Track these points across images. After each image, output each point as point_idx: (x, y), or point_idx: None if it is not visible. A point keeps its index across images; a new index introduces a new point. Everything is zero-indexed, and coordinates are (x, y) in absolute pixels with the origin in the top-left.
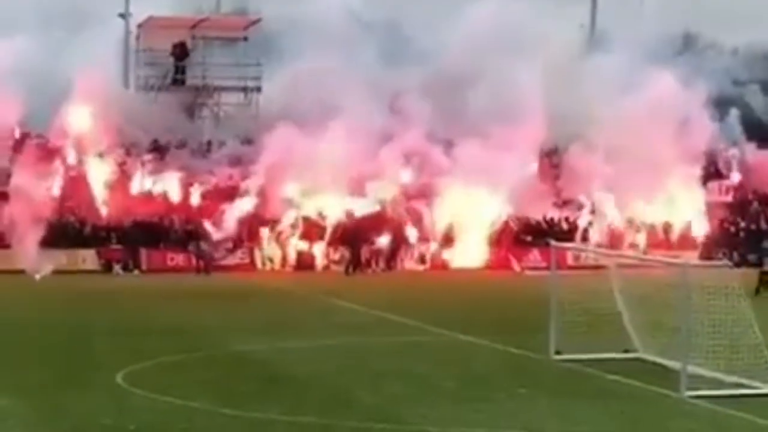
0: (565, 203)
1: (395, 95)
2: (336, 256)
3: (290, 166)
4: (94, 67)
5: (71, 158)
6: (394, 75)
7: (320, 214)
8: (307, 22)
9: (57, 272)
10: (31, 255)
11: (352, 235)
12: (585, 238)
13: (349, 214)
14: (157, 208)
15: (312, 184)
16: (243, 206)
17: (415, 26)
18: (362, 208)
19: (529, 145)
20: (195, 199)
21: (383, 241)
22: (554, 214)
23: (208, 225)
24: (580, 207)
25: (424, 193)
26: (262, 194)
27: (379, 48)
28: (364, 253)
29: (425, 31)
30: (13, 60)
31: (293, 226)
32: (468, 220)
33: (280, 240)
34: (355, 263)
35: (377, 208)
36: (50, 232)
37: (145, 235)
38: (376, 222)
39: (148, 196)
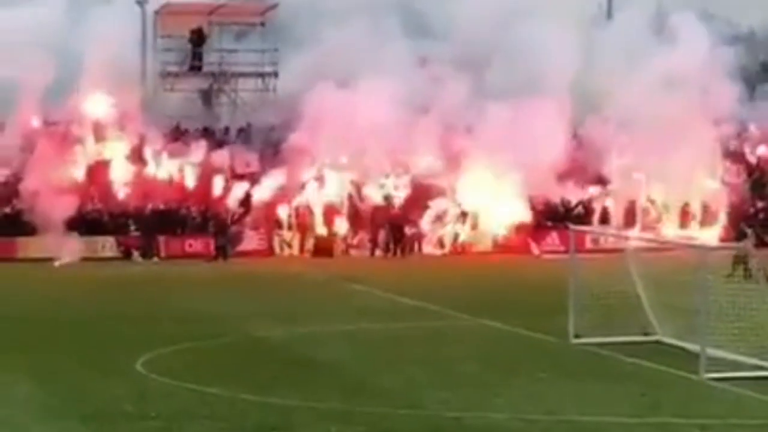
0: (584, 185)
1: (423, 65)
2: (355, 241)
3: (330, 127)
4: (110, 49)
5: (90, 143)
6: (418, 48)
7: (357, 192)
8: (324, 3)
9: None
10: (58, 242)
11: (395, 216)
12: (604, 221)
13: (389, 195)
14: (175, 195)
15: (350, 154)
16: (262, 190)
17: (427, 1)
18: (402, 184)
19: (555, 120)
20: (215, 186)
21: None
22: (573, 195)
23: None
24: (604, 184)
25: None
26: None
27: (396, 23)
28: (385, 236)
29: (437, 5)
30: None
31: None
32: (489, 204)
33: (298, 224)
34: (398, 245)
35: (420, 183)
36: (71, 219)
37: (164, 222)
38: (417, 201)
39: (166, 182)
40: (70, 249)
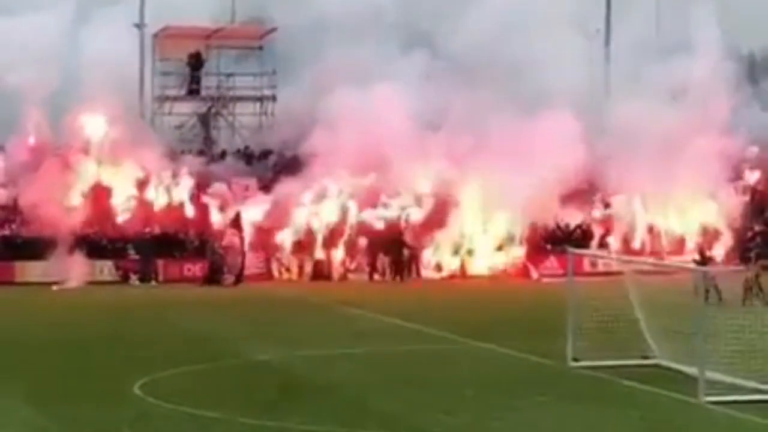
0: (586, 207)
1: (427, 83)
2: (353, 265)
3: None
4: (108, 72)
5: (90, 169)
6: (422, 65)
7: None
8: (324, 24)
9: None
10: (64, 265)
11: (397, 240)
12: (603, 244)
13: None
14: (173, 219)
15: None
16: (256, 213)
17: (431, 20)
18: (410, 208)
19: (559, 140)
20: (212, 210)
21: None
22: (574, 218)
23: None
24: (606, 205)
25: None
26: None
27: (400, 43)
28: (383, 261)
29: (442, 24)
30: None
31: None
32: (487, 227)
33: (298, 248)
34: (399, 267)
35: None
36: (71, 243)
37: (162, 246)
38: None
39: (165, 206)
40: (76, 272)
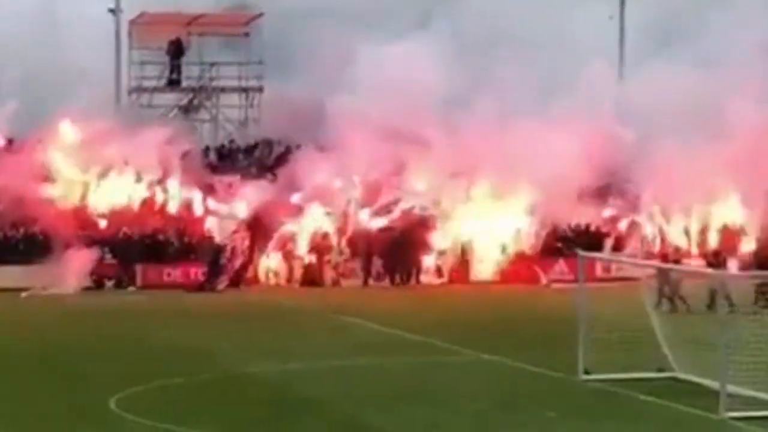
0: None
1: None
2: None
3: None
4: (82, 63)
5: (64, 165)
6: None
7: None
8: (314, 9)
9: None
10: (62, 269)
11: (400, 243)
12: (617, 248)
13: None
14: (154, 220)
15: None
16: (240, 212)
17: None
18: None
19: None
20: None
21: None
22: (588, 217)
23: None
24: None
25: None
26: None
27: (399, 28)
28: (378, 264)
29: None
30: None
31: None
32: (492, 230)
33: (285, 252)
34: (406, 274)
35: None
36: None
37: (142, 249)
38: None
39: (145, 207)
40: (70, 276)
